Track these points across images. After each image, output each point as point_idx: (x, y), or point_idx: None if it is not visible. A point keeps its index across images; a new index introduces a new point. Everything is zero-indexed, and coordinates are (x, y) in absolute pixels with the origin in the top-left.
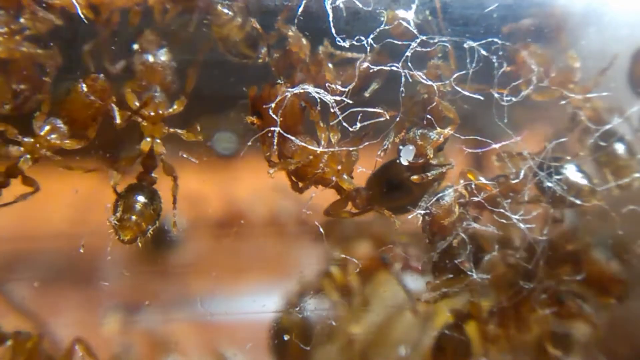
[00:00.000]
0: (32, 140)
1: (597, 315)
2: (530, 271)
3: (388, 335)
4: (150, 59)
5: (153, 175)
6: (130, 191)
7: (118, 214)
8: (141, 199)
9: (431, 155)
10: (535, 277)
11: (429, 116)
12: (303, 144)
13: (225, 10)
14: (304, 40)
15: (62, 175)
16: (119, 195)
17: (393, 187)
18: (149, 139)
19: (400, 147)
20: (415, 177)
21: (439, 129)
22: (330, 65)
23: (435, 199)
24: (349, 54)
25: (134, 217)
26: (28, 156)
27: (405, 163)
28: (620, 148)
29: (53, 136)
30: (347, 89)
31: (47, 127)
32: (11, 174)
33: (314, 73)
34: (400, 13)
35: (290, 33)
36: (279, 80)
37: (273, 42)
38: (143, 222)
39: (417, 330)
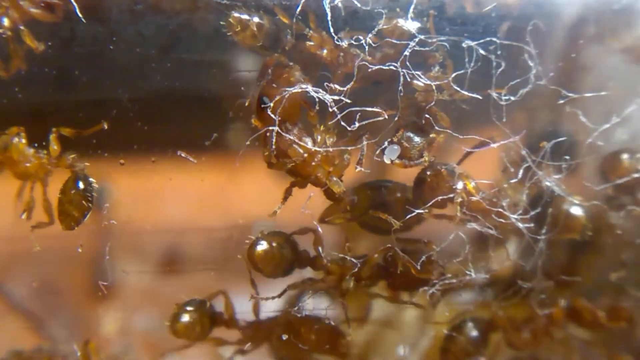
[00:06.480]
0: None
1: None
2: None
3: (386, 335)
4: None
5: None
6: None
7: None
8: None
9: (415, 159)
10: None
11: (423, 121)
12: (295, 139)
13: (238, 17)
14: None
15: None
16: None
17: (377, 204)
18: None
19: (386, 143)
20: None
21: (428, 136)
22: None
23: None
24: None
25: None
26: None
27: (387, 161)
28: None
29: None
30: (345, 89)
31: None
32: None
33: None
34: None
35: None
36: (290, 64)
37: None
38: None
39: (416, 331)
